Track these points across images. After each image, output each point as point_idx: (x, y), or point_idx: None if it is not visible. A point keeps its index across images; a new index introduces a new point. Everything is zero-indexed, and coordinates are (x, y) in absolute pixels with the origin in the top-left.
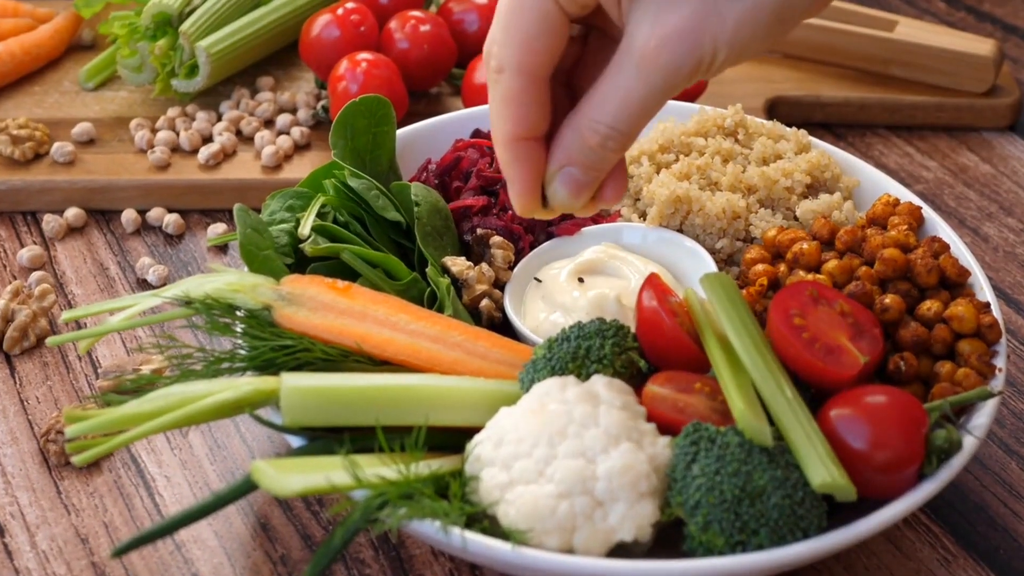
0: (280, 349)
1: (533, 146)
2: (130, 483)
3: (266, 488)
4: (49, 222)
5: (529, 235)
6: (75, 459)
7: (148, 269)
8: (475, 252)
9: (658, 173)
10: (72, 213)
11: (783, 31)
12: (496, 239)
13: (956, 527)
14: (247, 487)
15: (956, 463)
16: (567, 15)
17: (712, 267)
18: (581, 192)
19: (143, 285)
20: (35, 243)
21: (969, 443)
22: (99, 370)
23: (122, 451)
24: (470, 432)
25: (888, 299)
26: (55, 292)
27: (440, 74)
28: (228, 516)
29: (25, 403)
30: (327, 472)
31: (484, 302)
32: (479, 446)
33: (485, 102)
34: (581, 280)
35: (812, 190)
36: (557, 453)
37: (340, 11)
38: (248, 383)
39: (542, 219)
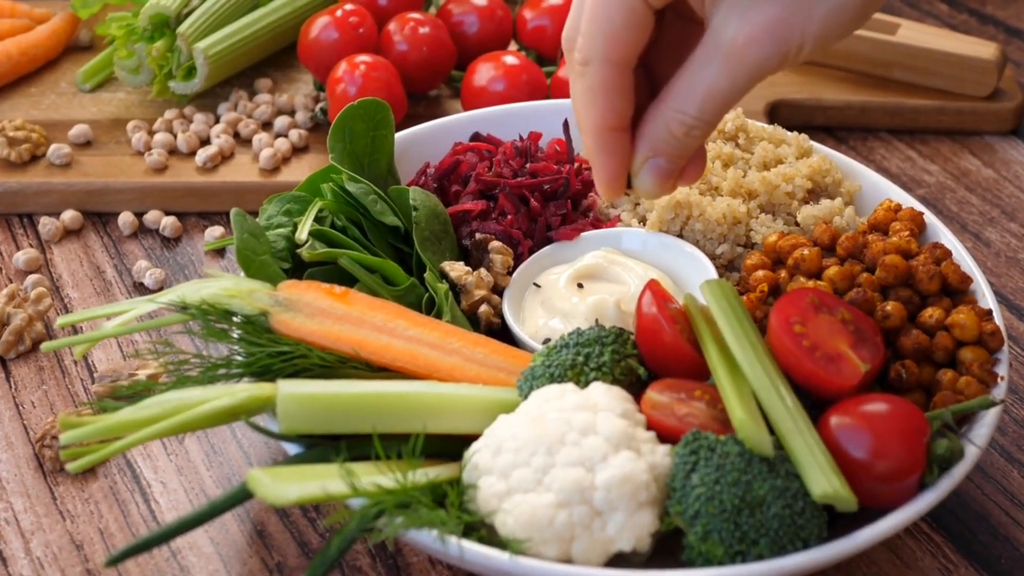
0: (277, 355)
1: (620, 135)
2: (126, 489)
3: (262, 497)
4: (45, 225)
5: (528, 240)
6: (70, 466)
7: (145, 272)
8: (474, 257)
9: None
10: (69, 216)
11: (865, 21)
12: (495, 244)
13: (957, 536)
14: (243, 495)
15: (957, 472)
16: (652, 7)
17: (712, 273)
18: (667, 180)
19: (140, 288)
20: (31, 246)
21: (971, 452)
22: (95, 375)
23: (118, 457)
24: (468, 439)
25: (889, 306)
26: (51, 295)
27: (439, 76)
28: (224, 523)
29: (20, 408)
30: (323, 481)
31: (483, 308)
32: (477, 454)
33: (484, 105)
34: (580, 286)
35: (813, 195)
36: (556, 462)
37: (339, 13)
38: (244, 390)
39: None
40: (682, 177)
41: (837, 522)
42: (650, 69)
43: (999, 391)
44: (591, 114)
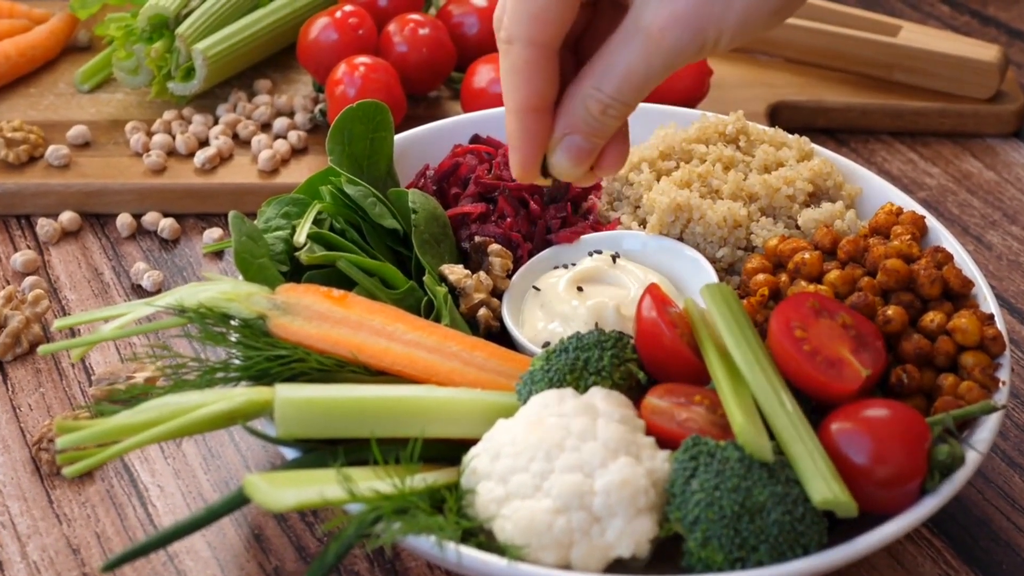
0: (274, 359)
1: (541, 116)
2: (123, 492)
3: (259, 503)
4: (43, 226)
5: (528, 243)
6: (66, 471)
7: (143, 274)
8: (473, 260)
9: (658, 180)
10: (67, 217)
11: (787, 15)
12: (494, 247)
13: (958, 541)
14: (240, 500)
15: (959, 478)
16: None
17: (713, 276)
18: (582, 159)
19: (138, 291)
20: (29, 247)
21: (972, 458)
22: (92, 377)
23: (115, 460)
24: (466, 444)
25: (891, 311)
26: (48, 297)
27: (439, 78)
28: (222, 527)
29: (17, 410)
30: (321, 486)
31: (482, 311)
32: (476, 459)
33: (485, 107)
34: (580, 289)
35: (814, 198)
36: (554, 467)
37: (338, 14)
38: (242, 394)
39: (540, 185)
40: (601, 164)
41: (837, 528)
42: (581, 54)
43: (1001, 396)
44: (512, 94)
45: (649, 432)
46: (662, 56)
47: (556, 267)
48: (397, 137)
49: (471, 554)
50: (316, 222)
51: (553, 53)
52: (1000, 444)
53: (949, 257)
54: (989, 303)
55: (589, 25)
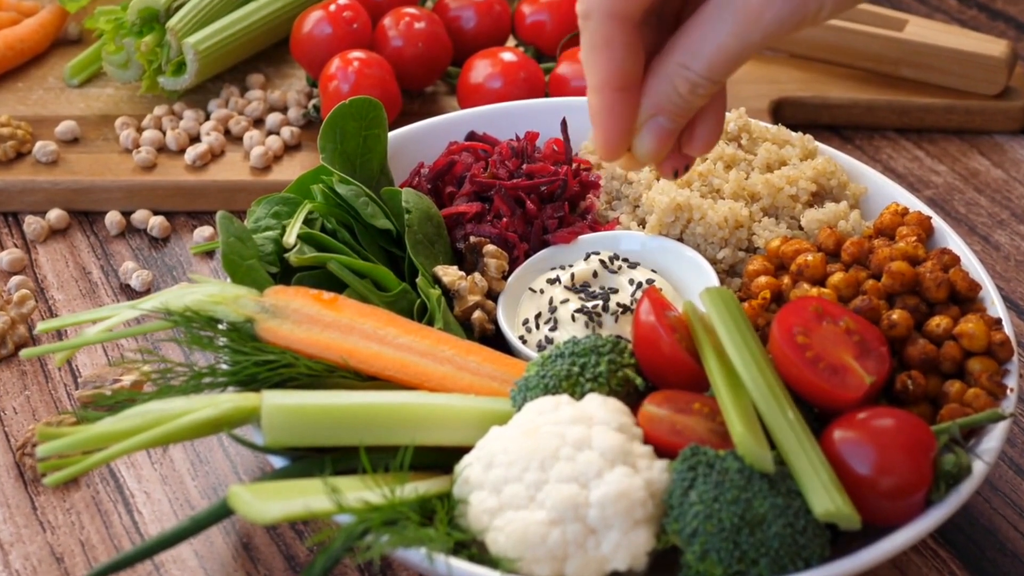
0: (262, 364)
1: (624, 95)
2: (108, 499)
3: (243, 515)
4: (31, 224)
5: (524, 243)
6: (47, 480)
7: (132, 274)
8: (468, 261)
9: (658, 179)
10: (54, 215)
11: None
12: (490, 247)
13: (964, 551)
14: (225, 511)
15: (965, 489)
16: None
17: (713, 278)
18: (667, 141)
19: (126, 290)
20: (16, 246)
21: (979, 468)
22: (79, 380)
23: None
24: (459, 451)
25: (896, 315)
26: (35, 297)
27: (435, 73)
28: (210, 535)
29: (1, 414)
30: (307, 497)
31: (476, 314)
32: (468, 468)
33: (481, 103)
34: (577, 291)
35: (818, 198)
36: (549, 477)
37: (332, 7)
38: (228, 400)
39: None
40: (694, 144)
41: (840, 540)
42: (665, 27)
43: (1008, 404)
44: (592, 71)
45: (647, 440)
46: (760, 30)
47: (553, 268)
48: (391, 134)
49: (462, 567)
50: (307, 222)
51: (634, 27)
52: (1008, 452)
53: (956, 259)
54: (997, 307)
55: None
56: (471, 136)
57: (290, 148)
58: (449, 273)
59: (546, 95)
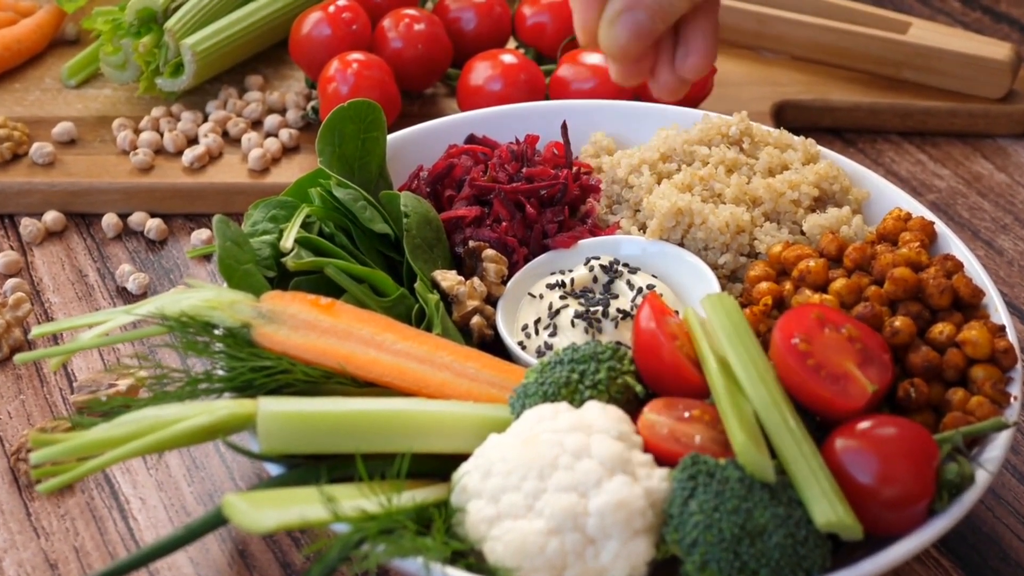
0: (259, 370)
1: None
2: (103, 505)
3: (238, 524)
4: (27, 226)
5: (523, 248)
6: (40, 487)
7: (128, 277)
8: (467, 266)
9: (659, 184)
10: (51, 217)
11: None
12: (489, 252)
13: (967, 560)
14: (220, 519)
15: (968, 498)
16: None
17: (714, 284)
18: (641, 38)
19: (123, 293)
20: (12, 248)
21: (982, 478)
22: (74, 384)
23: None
24: (457, 458)
25: (898, 322)
26: (31, 300)
27: (435, 74)
28: (205, 542)
29: None
30: (303, 506)
31: (475, 319)
32: (466, 476)
33: (481, 105)
34: (577, 297)
35: (820, 203)
36: (547, 486)
37: (331, 8)
38: (223, 407)
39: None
40: (683, 62)
41: (841, 551)
42: None
43: (1012, 412)
44: None
45: (647, 449)
46: None
47: (553, 273)
48: (390, 137)
49: None
50: (304, 226)
51: None
52: (1011, 459)
53: (959, 265)
54: (1000, 313)
55: None
56: (471, 139)
57: (288, 150)
58: (448, 278)
59: (546, 98)
